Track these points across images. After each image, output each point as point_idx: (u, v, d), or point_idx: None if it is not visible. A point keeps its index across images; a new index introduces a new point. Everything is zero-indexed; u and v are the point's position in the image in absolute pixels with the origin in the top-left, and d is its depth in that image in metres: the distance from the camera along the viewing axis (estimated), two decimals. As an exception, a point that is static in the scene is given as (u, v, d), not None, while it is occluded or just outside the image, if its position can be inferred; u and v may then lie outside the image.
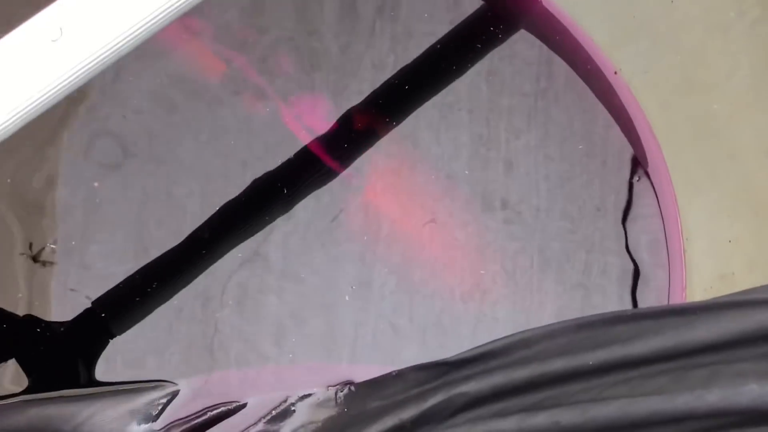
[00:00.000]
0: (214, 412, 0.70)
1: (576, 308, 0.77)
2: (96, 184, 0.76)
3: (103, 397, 0.69)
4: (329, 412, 0.69)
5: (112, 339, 0.72)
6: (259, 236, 0.76)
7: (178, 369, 0.72)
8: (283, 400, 0.70)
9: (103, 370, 0.72)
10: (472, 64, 0.82)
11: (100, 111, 0.77)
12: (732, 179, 0.73)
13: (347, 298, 0.75)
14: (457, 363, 0.65)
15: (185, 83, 0.79)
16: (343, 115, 0.79)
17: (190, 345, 0.73)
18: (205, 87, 0.79)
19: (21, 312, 0.73)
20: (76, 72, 0.52)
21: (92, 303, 0.73)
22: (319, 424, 0.69)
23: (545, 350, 0.61)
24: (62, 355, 0.72)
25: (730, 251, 0.73)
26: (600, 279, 0.77)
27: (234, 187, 0.77)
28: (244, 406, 0.70)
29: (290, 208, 0.76)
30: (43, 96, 0.52)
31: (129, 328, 0.73)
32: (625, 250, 0.78)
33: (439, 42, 0.82)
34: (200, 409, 0.70)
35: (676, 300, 0.77)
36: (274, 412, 0.70)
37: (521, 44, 0.82)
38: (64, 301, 0.73)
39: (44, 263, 0.74)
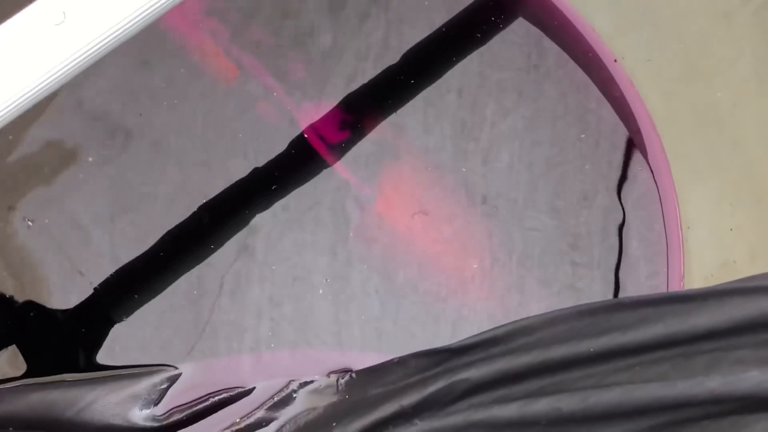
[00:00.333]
0: (216, 398, 0.70)
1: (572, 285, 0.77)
2: (90, 159, 0.76)
3: (105, 382, 0.70)
4: (330, 398, 0.69)
5: (113, 324, 0.73)
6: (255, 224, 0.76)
7: (179, 354, 0.72)
8: (284, 386, 0.70)
9: (104, 355, 0.72)
10: (470, 53, 0.82)
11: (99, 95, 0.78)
12: (735, 167, 0.72)
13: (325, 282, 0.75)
14: (459, 350, 0.65)
15: (188, 79, 0.79)
16: (340, 105, 0.79)
17: (190, 330, 0.73)
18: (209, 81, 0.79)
19: (21, 297, 0.73)
20: (79, 56, 0.52)
21: (95, 288, 0.73)
22: (320, 410, 0.69)
23: (547, 337, 0.62)
24: (64, 339, 0.72)
25: (731, 240, 0.73)
26: (595, 263, 0.77)
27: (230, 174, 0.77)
28: (245, 392, 0.71)
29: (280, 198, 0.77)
30: (46, 80, 0.52)
31: (130, 313, 0.73)
32: (619, 236, 0.78)
33: (436, 31, 0.82)
34: (202, 395, 0.70)
35: (674, 288, 0.77)
36: (275, 399, 0.70)
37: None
38: (67, 286, 0.73)
39: (41, 246, 0.74)
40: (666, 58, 0.78)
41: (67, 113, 0.77)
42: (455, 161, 0.78)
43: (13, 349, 0.71)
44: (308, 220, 0.76)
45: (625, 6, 0.80)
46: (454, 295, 0.76)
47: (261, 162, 0.77)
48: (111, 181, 0.76)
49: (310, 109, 0.79)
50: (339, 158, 0.78)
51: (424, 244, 0.77)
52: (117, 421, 0.69)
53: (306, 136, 0.78)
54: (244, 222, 0.76)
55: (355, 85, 0.80)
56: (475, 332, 0.64)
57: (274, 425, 0.69)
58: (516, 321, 0.64)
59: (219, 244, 0.75)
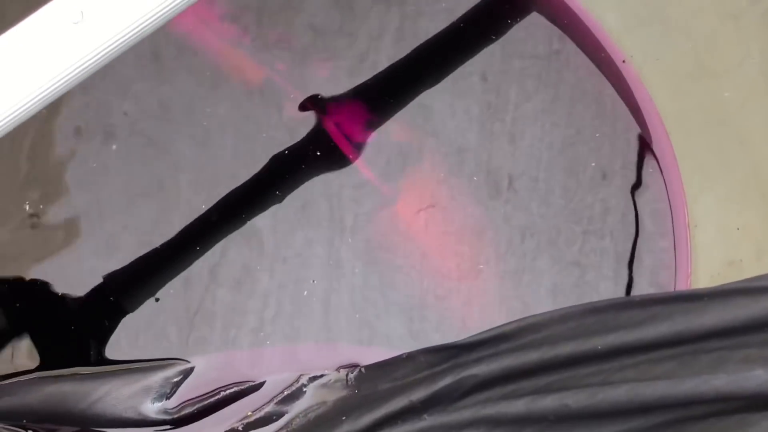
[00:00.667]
0: (227, 391, 0.71)
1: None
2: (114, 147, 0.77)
3: (118, 375, 0.70)
4: (340, 393, 0.70)
5: (125, 317, 0.73)
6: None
7: (190, 347, 0.73)
8: (294, 380, 0.71)
9: (116, 349, 0.72)
10: (482, 49, 0.82)
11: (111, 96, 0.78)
12: (742, 167, 0.73)
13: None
14: (468, 346, 0.65)
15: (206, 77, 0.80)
16: (358, 96, 0.80)
17: (201, 323, 0.73)
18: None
19: (34, 290, 0.74)
20: (97, 55, 0.53)
21: (103, 278, 0.74)
22: (330, 404, 0.69)
23: (555, 334, 0.62)
24: (76, 332, 0.73)
25: (738, 238, 0.73)
26: (601, 262, 0.78)
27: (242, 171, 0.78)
28: (256, 386, 0.71)
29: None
30: (63, 78, 0.53)
31: (141, 305, 0.74)
32: (630, 236, 0.78)
33: (446, 27, 0.82)
34: (213, 388, 0.71)
35: (681, 286, 0.77)
36: (285, 393, 0.71)
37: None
38: (78, 277, 0.74)
39: (51, 238, 0.75)
40: (674, 56, 0.78)
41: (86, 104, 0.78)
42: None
43: (26, 343, 0.72)
44: (322, 216, 0.77)
45: (634, 4, 0.80)
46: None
47: (278, 159, 0.78)
48: (127, 172, 0.77)
49: (334, 107, 0.79)
50: (361, 156, 0.78)
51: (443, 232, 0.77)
52: (129, 413, 0.70)
53: (330, 134, 0.79)
54: (257, 214, 0.76)
55: (377, 81, 0.80)
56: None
57: (284, 419, 0.70)
58: (524, 318, 0.64)
59: (231, 236, 0.76)
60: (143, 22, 0.54)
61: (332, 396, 0.70)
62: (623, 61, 0.82)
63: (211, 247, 0.75)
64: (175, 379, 0.71)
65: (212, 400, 0.71)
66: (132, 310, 0.73)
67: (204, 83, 0.79)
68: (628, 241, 0.78)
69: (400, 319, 0.75)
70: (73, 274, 0.74)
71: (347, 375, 0.71)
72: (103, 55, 0.53)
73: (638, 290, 0.76)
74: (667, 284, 0.77)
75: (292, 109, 0.79)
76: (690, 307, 0.57)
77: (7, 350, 0.72)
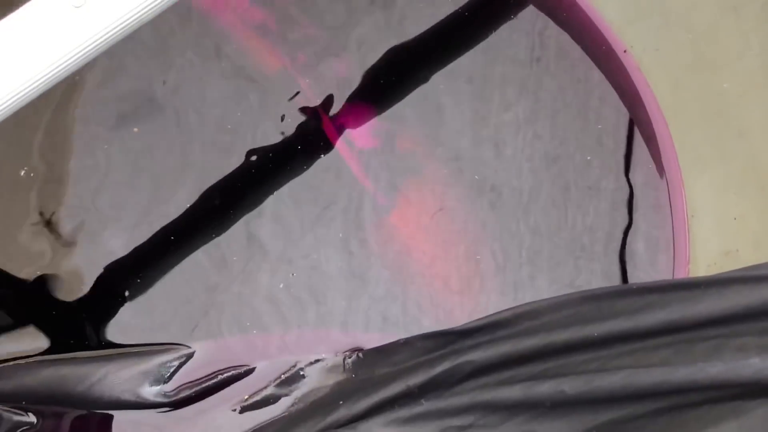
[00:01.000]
0: (225, 375, 0.71)
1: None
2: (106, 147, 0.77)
3: (117, 359, 0.71)
4: (338, 377, 0.71)
5: (125, 302, 0.73)
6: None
7: (188, 332, 0.73)
8: (292, 365, 0.72)
9: (116, 333, 0.73)
10: (480, 41, 0.82)
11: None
12: (740, 157, 0.73)
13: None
14: (465, 332, 0.65)
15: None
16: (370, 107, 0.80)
17: (199, 309, 0.74)
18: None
19: (34, 274, 0.74)
20: (99, 39, 0.53)
21: (104, 268, 0.74)
22: (328, 388, 0.70)
23: (552, 321, 0.62)
24: (76, 317, 0.73)
25: (735, 228, 0.73)
26: (602, 248, 0.78)
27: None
28: (254, 370, 0.72)
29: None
30: (65, 61, 0.53)
31: (143, 291, 0.74)
32: (629, 216, 0.79)
33: (445, 18, 0.82)
34: (211, 372, 0.71)
35: (679, 275, 0.77)
36: (283, 377, 0.71)
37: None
38: (79, 263, 0.74)
39: (55, 227, 0.75)
40: (674, 48, 0.78)
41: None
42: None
43: (28, 326, 0.72)
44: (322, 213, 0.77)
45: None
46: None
47: (280, 150, 0.78)
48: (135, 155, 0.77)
49: (342, 110, 0.80)
50: (361, 162, 0.79)
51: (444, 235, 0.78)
52: (127, 396, 0.70)
53: (331, 135, 0.79)
54: (254, 205, 0.76)
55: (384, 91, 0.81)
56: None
57: (282, 402, 0.70)
58: (521, 305, 0.65)
59: (230, 227, 0.76)
60: (146, 7, 0.54)
61: (330, 380, 0.70)
62: (624, 51, 0.82)
63: (210, 235, 0.76)
64: (174, 364, 0.71)
65: (210, 383, 0.71)
66: (132, 296, 0.74)
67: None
68: (626, 230, 0.78)
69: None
70: (75, 259, 0.74)
71: (345, 360, 0.71)
72: (105, 40, 0.54)
73: (635, 279, 0.77)
74: (664, 273, 0.77)
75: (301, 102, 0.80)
76: (686, 295, 0.57)
77: (9, 333, 0.72)
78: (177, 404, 0.71)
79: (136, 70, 0.79)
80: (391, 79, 0.81)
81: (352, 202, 0.77)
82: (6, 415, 0.68)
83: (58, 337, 0.72)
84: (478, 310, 0.75)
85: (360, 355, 0.71)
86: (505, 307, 0.65)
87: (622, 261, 0.78)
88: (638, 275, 0.77)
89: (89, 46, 0.54)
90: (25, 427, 0.69)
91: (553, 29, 0.83)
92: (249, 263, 0.75)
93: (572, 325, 0.61)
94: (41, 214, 0.75)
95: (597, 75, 0.82)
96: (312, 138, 0.79)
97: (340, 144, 0.78)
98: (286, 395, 0.70)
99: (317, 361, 0.72)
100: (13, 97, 0.53)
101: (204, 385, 0.71)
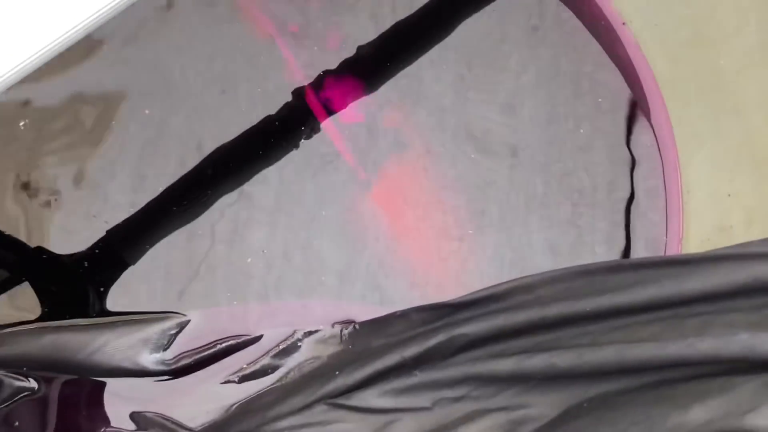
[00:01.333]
0: (224, 344, 0.72)
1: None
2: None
3: (117, 326, 0.71)
4: (334, 348, 0.71)
5: (125, 270, 0.74)
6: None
7: (188, 301, 0.74)
8: (290, 335, 0.72)
9: (116, 300, 0.73)
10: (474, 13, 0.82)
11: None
12: (735, 134, 0.73)
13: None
14: (459, 305, 0.66)
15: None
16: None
17: (199, 278, 0.74)
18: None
19: (33, 242, 0.74)
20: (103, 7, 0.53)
21: (107, 232, 0.75)
22: (324, 359, 0.71)
23: (545, 295, 0.63)
24: (76, 284, 0.74)
25: (729, 204, 0.74)
26: (598, 221, 0.78)
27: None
28: (252, 339, 0.72)
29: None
30: (66, 34, 0.53)
31: (141, 259, 0.74)
32: (623, 200, 0.79)
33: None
34: (210, 341, 0.72)
35: (672, 251, 0.78)
36: (280, 347, 0.72)
37: None
38: (82, 231, 0.75)
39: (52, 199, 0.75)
40: (673, 23, 0.78)
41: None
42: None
43: (28, 293, 0.73)
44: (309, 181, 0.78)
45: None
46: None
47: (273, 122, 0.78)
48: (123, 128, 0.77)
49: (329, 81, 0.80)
50: (345, 136, 0.79)
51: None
52: (127, 364, 0.71)
53: (314, 105, 0.79)
54: (247, 174, 0.77)
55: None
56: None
57: (279, 372, 0.71)
58: (515, 279, 0.65)
59: (223, 193, 0.76)
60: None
61: (326, 351, 0.71)
62: (623, 24, 0.82)
63: (207, 203, 0.76)
64: (172, 332, 0.72)
65: (209, 352, 0.72)
66: (131, 263, 0.74)
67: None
68: (620, 204, 0.78)
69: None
70: (76, 227, 0.75)
71: (341, 331, 0.72)
72: (110, 9, 0.54)
73: (629, 254, 0.77)
74: (658, 248, 0.78)
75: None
76: (679, 271, 0.58)
77: (9, 300, 0.73)
78: (177, 372, 0.71)
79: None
80: (379, 55, 0.81)
81: (339, 175, 0.78)
82: (7, 380, 0.69)
83: (57, 303, 0.73)
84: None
85: (356, 326, 0.72)
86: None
87: (623, 233, 0.78)
88: (632, 250, 0.78)
89: (88, 18, 0.54)
90: (26, 393, 0.69)
91: (551, 1, 0.83)
92: (239, 232, 0.75)
93: (565, 299, 0.61)
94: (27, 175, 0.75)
95: (595, 46, 0.82)
96: (297, 111, 0.79)
97: (324, 118, 0.79)
98: (284, 365, 0.71)
99: (314, 332, 0.72)
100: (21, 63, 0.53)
101: (203, 354, 0.72)
